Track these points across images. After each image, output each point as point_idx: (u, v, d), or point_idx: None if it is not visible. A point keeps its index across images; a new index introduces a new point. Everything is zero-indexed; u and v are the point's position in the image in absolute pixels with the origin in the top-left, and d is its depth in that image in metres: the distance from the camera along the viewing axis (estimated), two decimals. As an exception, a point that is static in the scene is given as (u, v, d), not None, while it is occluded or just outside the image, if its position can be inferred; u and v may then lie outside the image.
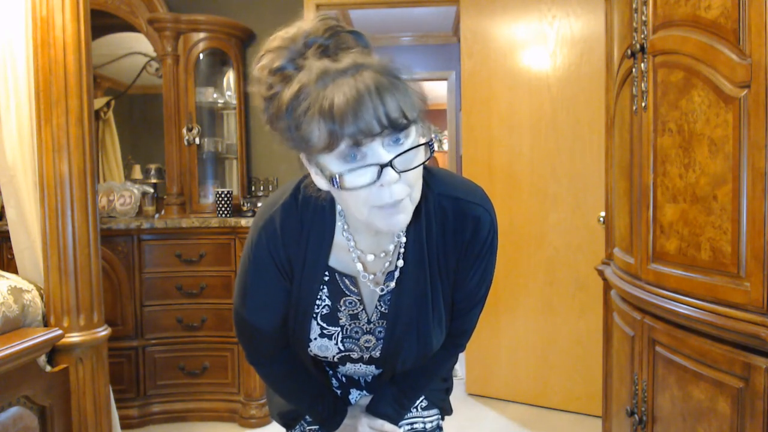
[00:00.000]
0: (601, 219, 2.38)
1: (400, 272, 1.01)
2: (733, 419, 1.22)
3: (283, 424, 1.25)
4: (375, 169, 0.80)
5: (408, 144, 0.82)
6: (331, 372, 1.21)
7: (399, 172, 0.81)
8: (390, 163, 0.80)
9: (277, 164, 3.37)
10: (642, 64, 1.54)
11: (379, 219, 0.85)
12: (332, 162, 0.82)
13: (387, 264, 1.02)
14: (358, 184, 0.81)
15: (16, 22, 1.77)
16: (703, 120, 1.31)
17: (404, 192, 0.83)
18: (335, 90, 0.77)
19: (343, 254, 1.02)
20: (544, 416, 3.01)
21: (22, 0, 1.75)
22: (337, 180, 0.81)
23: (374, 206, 0.84)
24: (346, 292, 1.04)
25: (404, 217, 0.86)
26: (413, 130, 0.83)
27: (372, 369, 1.13)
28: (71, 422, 1.72)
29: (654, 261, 1.52)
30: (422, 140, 0.85)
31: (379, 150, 0.80)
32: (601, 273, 2.21)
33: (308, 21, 0.85)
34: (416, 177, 0.85)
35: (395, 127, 0.78)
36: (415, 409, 1.22)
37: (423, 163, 0.85)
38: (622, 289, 1.69)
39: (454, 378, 1.34)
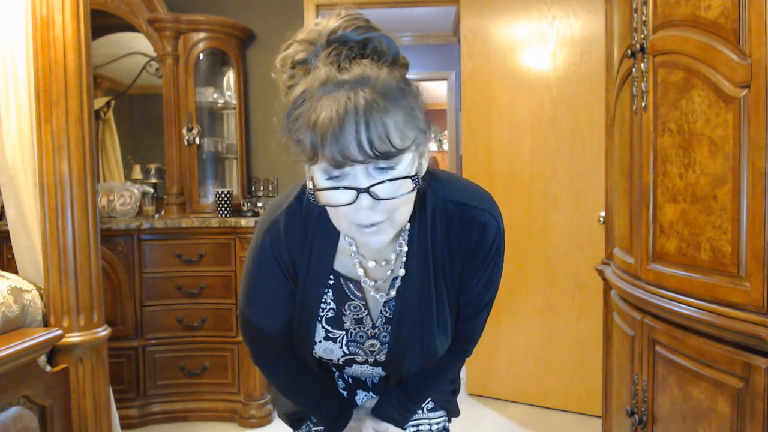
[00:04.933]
0: (601, 219, 2.38)
1: (401, 280, 1.01)
2: (733, 419, 1.22)
3: (289, 424, 1.25)
4: (353, 192, 0.79)
5: (396, 172, 0.80)
6: (337, 373, 1.21)
7: (378, 200, 0.80)
8: (367, 190, 0.79)
9: (277, 164, 3.37)
10: (642, 64, 1.54)
11: (357, 235, 0.86)
12: (317, 173, 0.82)
13: (389, 272, 1.01)
14: (334, 203, 0.81)
15: (16, 22, 1.77)
16: (703, 120, 1.31)
17: (381, 217, 0.82)
18: (326, 104, 0.76)
19: (347, 259, 1.02)
20: (544, 416, 3.01)
21: (22, 0, 1.75)
22: (313, 194, 0.82)
23: (353, 223, 0.84)
24: (351, 296, 1.03)
25: (384, 237, 0.85)
26: (405, 158, 0.81)
27: (378, 370, 1.13)
28: (71, 422, 1.72)
29: (654, 261, 1.52)
30: (414, 169, 0.84)
31: (361, 173, 0.79)
32: (601, 273, 2.21)
33: (338, 18, 0.84)
34: (400, 203, 0.84)
35: (378, 156, 0.76)
36: (421, 411, 1.21)
37: (405, 194, 0.83)
38: (622, 289, 1.69)
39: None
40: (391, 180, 0.80)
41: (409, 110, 0.80)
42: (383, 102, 0.77)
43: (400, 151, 0.79)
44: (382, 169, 0.79)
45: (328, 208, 0.87)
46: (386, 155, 0.77)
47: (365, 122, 0.75)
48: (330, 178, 0.80)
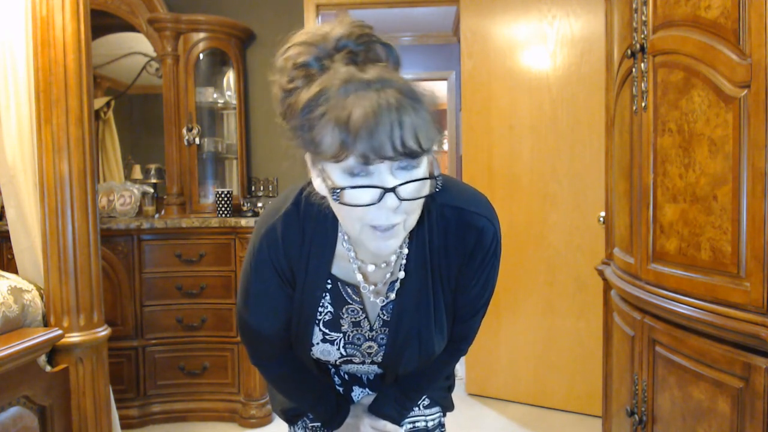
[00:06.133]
0: (601, 219, 2.38)
1: (401, 283, 1.01)
2: (733, 419, 1.22)
3: (286, 420, 1.26)
4: (377, 191, 0.79)
5: (417, 173, 0.81)
6: (333, 370, 1.21)
7: (401, 200, 0.79)
8: (394, 190, 0.78)
9: (277, 164, 3.37)
10: (642, 64, 1.54)
11: (369, 239, 0.85)
12: (336, 172, 0.81)
13: (388, 275, 1.01)
14: (357, 202, 0.80)
15: (16, 22, 1.77)
16: (703, 120, 1.31)
17: (400, 219, 0.82)
18: (356, 101, 0.75)
19: (344, 263, 1.02)
20: (544, 416, 3.01)
21: (22, 0, 1.75)
22: (337, 194, 0.80)
23: (367, 225, 0.83)
24: (348, 300, 1.03)
25: (395, 242, 0.85)
26: (425, 160, 0.82)
27: (375, 368, 1.13)
28: (71, 422, 1.72)
29: (654, 261, 1.52)
30: (431, 170, 0.84)
31: (386, 172, 0.79)
32: (601, 273, 2.21)
33: (342, 24, 0.84)
34: (417, 206, 0.84)
35: (408, 154, 0.77)
36: (417, 408, 1.22)
37: (426, 195, 0.83)
38: (622, 289, 1.69)
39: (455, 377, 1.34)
40: (416, 180, 0.80)
41: (428, 112, 0.80)
42: (410, 102, 0.77)
43: (425, 151, 0.79)
44: (404, 169, 0.80)
45: (340, 210, 0.86)
46: (414, 154, 0.77)
47: (399, 120, 0.75)
48: (352, 177, 0.80)
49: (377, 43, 0.85)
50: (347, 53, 0.82)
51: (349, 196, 0.80)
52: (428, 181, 0.83)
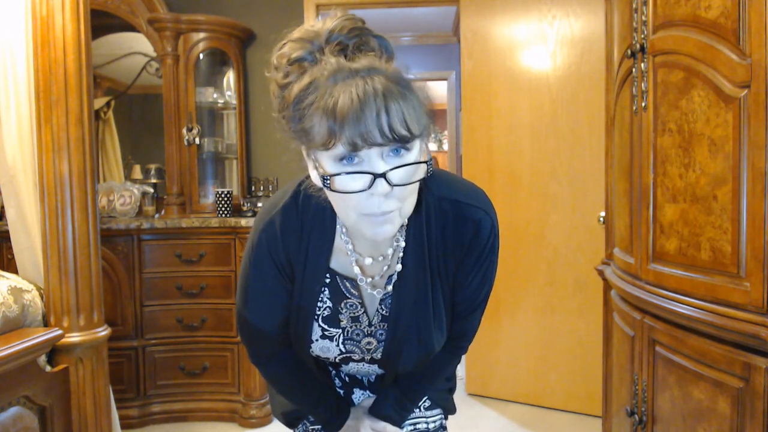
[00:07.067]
0: (601, 219, 2.38)
1: (398, 277, 1.01)
2: (733, 419, 1.22)
3: (286, 423, 1.25)
4: (368, 177, 0.79)
5: (408, 158, 0.81)
6: (334, 372, 1.21)
7: (392, 185, 0.79)
8: (384, 175, 0.78)
9: (277, 164, 3.37)
10: (642, 64, 1.54)
11: (365, 226, 0.85)
12: (327, 160, 0.81)
13: (386, 268, 1.02)
14: (348, 189, 0.81)
15: (16, 22, 1.77)
16: (703, 120, 1.31)
17: (394, 206, 0.82)
18: (343, 89, 0.77)
19: (343, 257, 1.02)
20: (544, 416, 3.01)
21: (22, 0, 1.75)
22: (328, 180, 0.81)
23: (362, 213, 0.83)
24: (347, 294, 1.04)
25: (390, 227, 0.85)
26: (416, 145, 0.82)
27: (375, 368, 1.13)
28: (71, 422, 1.72)
29: (654, 261, 1.52)
30: (423, 157, 0.84)
31: (376, 159, 0.79)
32: (601, 273, 2.21)
33: (334, 19, 0.85)
34: (410, 192, 0.84)
35: (396, 140, 0.77)
36: (418, 410, 1.22)
37: (418, 181, 0.84)
38: (622, 289, 1.69)
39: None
40: (407, 165, 0.80)
41: (418, 99, 0.81)
42: (398, 88, 0.78)
43: (415, 137, 0.80)
44: (395, 155, 0.80)
45: (334, 198, 0.86)
46: (404, 139, 0.78)
47: (385, 106, 0.76)
48: (343, 165, 0.80)
49: (369, 36, 0.86)
50: (337, 45, 0.83)
51: (340, 182, 0.81)
52: (420, 166, 0.83)
